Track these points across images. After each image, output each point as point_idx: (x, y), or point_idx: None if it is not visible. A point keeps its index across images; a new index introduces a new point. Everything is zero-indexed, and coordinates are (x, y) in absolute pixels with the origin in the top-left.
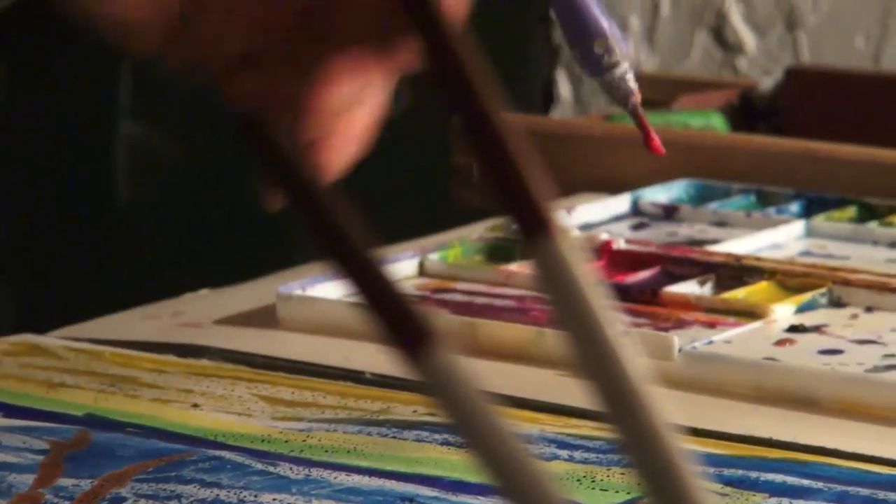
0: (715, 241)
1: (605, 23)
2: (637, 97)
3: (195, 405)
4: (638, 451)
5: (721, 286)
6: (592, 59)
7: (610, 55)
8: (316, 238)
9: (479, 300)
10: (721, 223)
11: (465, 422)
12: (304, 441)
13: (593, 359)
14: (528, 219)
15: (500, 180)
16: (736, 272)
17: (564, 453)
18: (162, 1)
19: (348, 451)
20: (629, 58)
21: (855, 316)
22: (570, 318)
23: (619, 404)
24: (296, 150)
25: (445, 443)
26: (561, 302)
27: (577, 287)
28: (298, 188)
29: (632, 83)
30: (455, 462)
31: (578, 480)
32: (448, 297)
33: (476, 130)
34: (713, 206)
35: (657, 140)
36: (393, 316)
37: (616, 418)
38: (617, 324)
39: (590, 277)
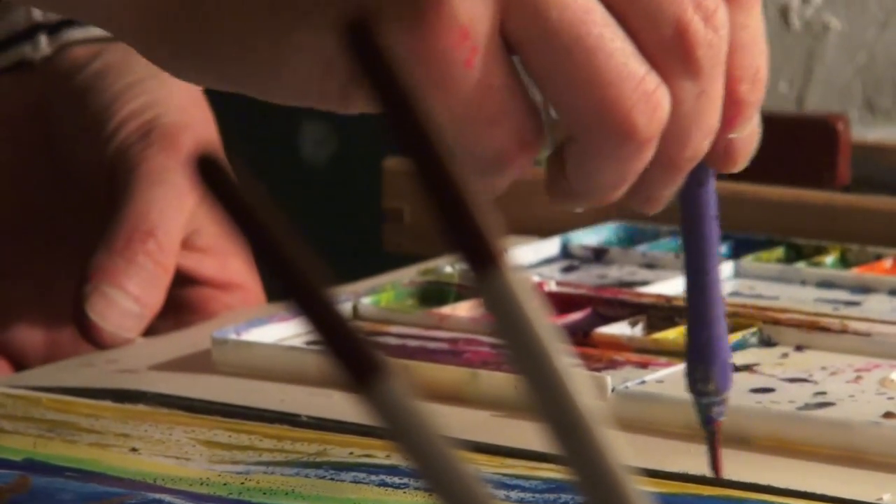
0: (645, 283)
1: (726, 351)
2: (718, 427)
3: (133, 449)
4: (587, 483)
5: (652, 327)
6: (696, 374)
7: (706, 383)
8: (273, 275)
9: (413, 343)
10: (650, 265)
11: (416, 451)
12: (242, 484)
13: (543, 392)
14: (477, 253)
15: (448, 214)
16: (666, 313)
17: (501, 493)
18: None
19: (286, 493)
20: (725, 393)
21: (785, 355)
22: (518, 351)
23: (569, 438)
24: (252, 193)
25: (382, 484)
26: (510, 336)
27: (527, 321)
28: (256, 230)
29: (718, 414)
30: (392, 503)
31: None
32: (381, 340)
33: (423, 165)
34: (642, 248)
35: (722, 466)
36: (345, 349)
37: (566, 452)
38: (566, 357)
39: (539, 312)
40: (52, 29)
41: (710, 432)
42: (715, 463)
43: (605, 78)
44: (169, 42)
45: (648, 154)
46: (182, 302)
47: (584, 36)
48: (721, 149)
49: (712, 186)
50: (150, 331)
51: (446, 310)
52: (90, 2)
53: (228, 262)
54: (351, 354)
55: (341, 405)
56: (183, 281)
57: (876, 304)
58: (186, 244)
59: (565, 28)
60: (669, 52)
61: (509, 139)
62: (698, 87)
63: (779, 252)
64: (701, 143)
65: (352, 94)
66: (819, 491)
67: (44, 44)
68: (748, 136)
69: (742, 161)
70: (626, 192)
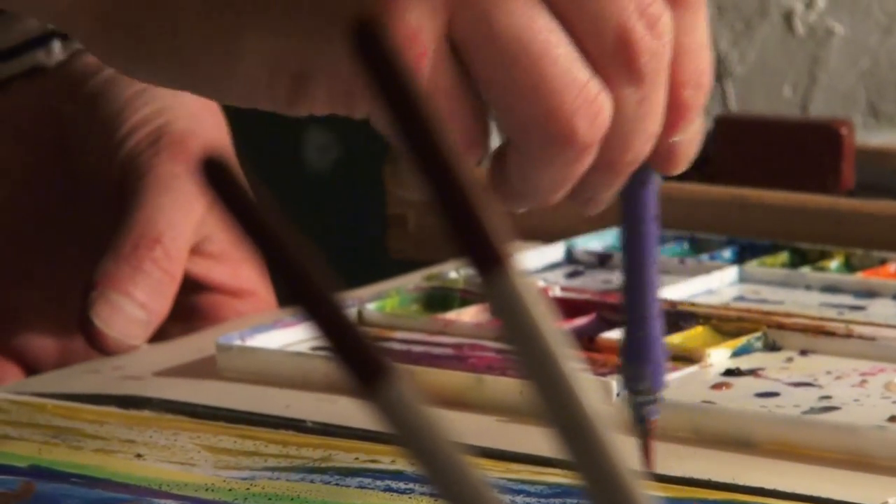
0: None
1: (661, 351)
2: (653, 425)
3: (139, 455)
4: (593, 487)
5: None
6: (630, 373)
7: (639, 382)
8: (282, 280)
9: (417, 348)
10: None
11: (423, 454)
12: (247, 489)
13: (549, 395)
14: (483, 255)
15: (454, 217)
16: (671, 318)
17: (506, 498)
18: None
19: (291, 499)
20: (659, 392)
21: (790, 359)
22: (525, 355)
23: (576, 442)
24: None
25: (388, 489)
26: (516, 340)
27: (533, 324)
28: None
29: (651, 413)
30: None
31: None
32: (386, 346)
33: (428, 167)
34: None
35: (654, 461)
36: (351, 352)
37: (573, 456)
38: (573, 359)
39: (545, 315)
40: (66, 35)
41: (643, 430)
42: (647, 460)
43: (549, 84)
44: (122, 43)
45: (589, 158)
46: (193, 309)
47: (529, 42)
48: (663, 151)
49: (654, 187)
50: (161, 337)
51: (451, 315)
52: (40, 4)
53: (239, 269)
54: (357, 358)
55: (347, 411)
56: (194, 288)
57: (881, 309)
58: (197, 251)
59: (511, 34)
60: (612, 58)
61: (460, 140)
62: (640, 93)
63: (783, 257)
64: (642, 146)
65: (299, 96)
66: (824, 495)
67: (57, 50)
68: (690, 139)
69: (683, 163)
70: (568, 193)
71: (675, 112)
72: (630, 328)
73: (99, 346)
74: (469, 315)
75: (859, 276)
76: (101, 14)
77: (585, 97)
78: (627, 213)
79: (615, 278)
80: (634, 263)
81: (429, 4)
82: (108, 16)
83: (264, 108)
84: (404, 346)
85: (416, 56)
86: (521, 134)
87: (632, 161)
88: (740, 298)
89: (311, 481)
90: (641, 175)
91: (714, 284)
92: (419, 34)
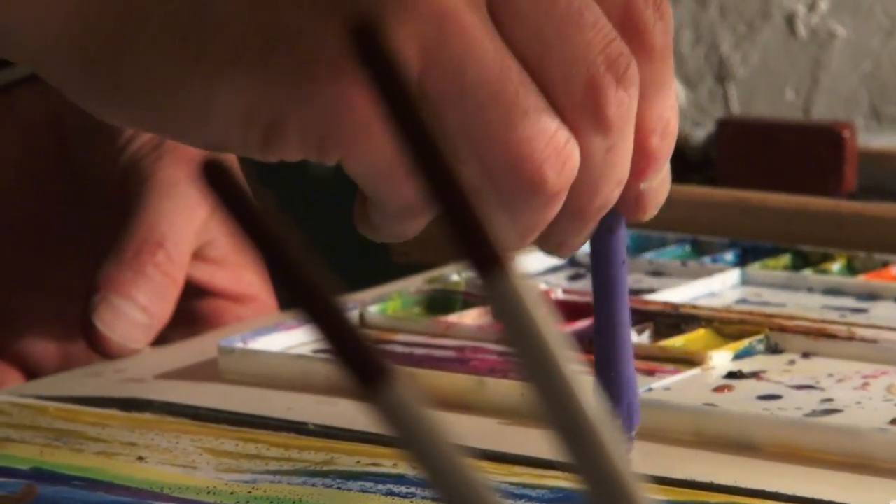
0: (651, 291)
1: (633, 392)
2: (629, 447)
3: (140, 458)
4: (594, 490)
5: (659, 334)
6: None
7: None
8: (283, 282)
9: (419, 351)
10: (657, 272)
11: (425, 456)
12: (249, 492)
13: (550, 396)
14: (483, 257)
15: (454, 219)
16: (673, 320)
17: (508, 502)
18: None
19: (293, 502)
20: (632, 433)
21: (792, 362)
22: (526, 357)
23: (577, 445)
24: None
25: (390, 493)
26: (517, 342)
27: (534, 326)
28: (264, 236)
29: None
30: None
31: None
32: (388, 348)
33: (429, 170)
34: (649, 255)
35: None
36: (353, 354)
37: (574, 459)
38: (573, 360)
39: (546, 316)
40: None
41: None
42: None
43: (519, 134)
44: (98, 85)
45: (557, 205)
46: (196, 314)
47: (499, 91)
48: (631, 198)
49: (623, 233)
50: (163, 342)
51: (453, 318)
52: (13, 44)
53: (242, 274)
54: (359, 360)
55: (348, 413)
56: (196, 293)
57: (883, 311)
58: (200, 256)
59: (482, 85)
60: (580, 108)
61: (422, 192)
62: (608, 141)
63: (785, 259)
64: (610, 194)
65: (272, 144)
66: (826, 498)
67: None
68: (658, 186)
69: (652, 210)
70: (538, 239)
71: (642, 159)
72: (601, 369)
73: (101, 349)
74: (471, 318)
75: (861, 279)
76: (83, 54)
77: (554, 146)
78: (596, 258)
79: None
80: (604, 307)
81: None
82: (89, 56)
83: (237, 154)
84: (406, 349)
85: None
86: (490, 181)
87: (600, 208)
88: (742, 301)
89: (313, 485)
90: (610, 221)
91: (716, 287)
92: None
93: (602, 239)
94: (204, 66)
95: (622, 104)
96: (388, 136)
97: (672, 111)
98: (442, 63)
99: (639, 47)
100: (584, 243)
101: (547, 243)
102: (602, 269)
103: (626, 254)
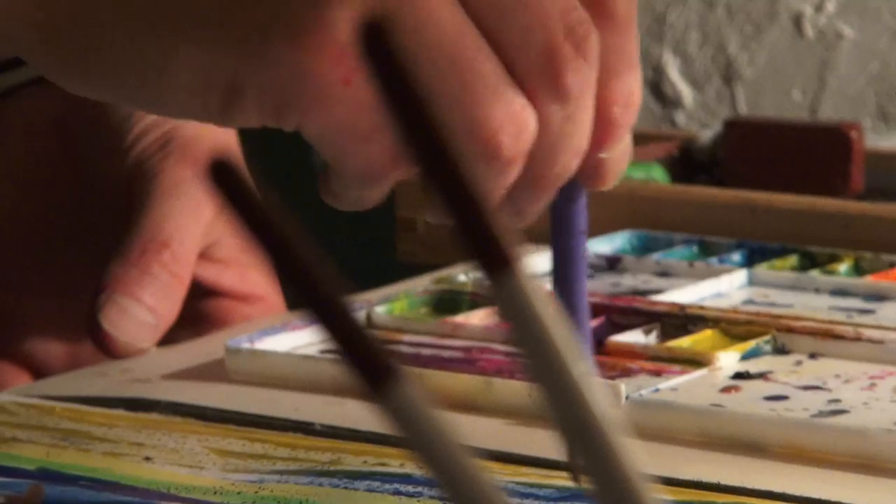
0: (658, 291)
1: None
2: None
3: (147, 458)
4: (602, 490)
5: (666, 335)
6: None
7: None
8: (290, 282)
9: (426, 351)
10: (664, 273)
11: (432, 456)
12: (256, 492)
13: (558, 396)
14: (491, 257)
15: (462, 219)
16: (680, 321)
17: (515, 501)
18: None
19: (300, 502)
20: None
21: (799, 363)
22: (533, 357)
23: (584, 442)
24: (268, 200)
25: (397, 493)
26: (524, 342)
27: (541, 326)
28: (271, 236)
29: None
30: None
31: None
32: (395, 349)
33: (436, 170)
34: (656, 256)
35: None
36: (360, 354)
37: (581, 457)
38: (582, 360)
39: (553, 316)
40: None
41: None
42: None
43: (475, 98)
44: (56, 54)
45: (514, 172)
46: (202, 314)
47: (456, 57)
48: (591, 167)
49: (583, 202)
50: (170, 342)
51: (460, 318)
52: None
53: (248, 274)
54: (366, 361)
55: (355, 413)
56: (203, 293)
57: (890, 312)
58: (206, 256)
59: (439, 48)
60: (538, 75)
61: (383, 155)
62: (566, 110)
63: (792, 260)
64: (569, 162)
65: (231, 109)
66: (833, 498)
67: None
68: (619, 156)
69: (612, 179)
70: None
71: (603, 129)
72: None
73: (107, 349)
74: (478, 318)
75: (868, 280)
76: (43, 25)
77: (510, 113)
78: (556, 227)
79: (624, 281)
80: (562, 278)
81: (358, 22)
82: (41, 26)
83: (197, 120)
84: (413, 349)
85: (344, 75)
86: None
87: (559, 175)
88: (749, 302)
89: (320, 484)
90: (570, 190)
91: (723, 288)
92: (350, 50)
93: (562, 208)
94: (161, 29)
95: (580, 72)
96: (346, 100)
97: (636, 82)
98: (399, 28)
99: (601, 17)
100: (541, 211)
101: (505, 211)
102: (561, 238)
103: (586, 224)
